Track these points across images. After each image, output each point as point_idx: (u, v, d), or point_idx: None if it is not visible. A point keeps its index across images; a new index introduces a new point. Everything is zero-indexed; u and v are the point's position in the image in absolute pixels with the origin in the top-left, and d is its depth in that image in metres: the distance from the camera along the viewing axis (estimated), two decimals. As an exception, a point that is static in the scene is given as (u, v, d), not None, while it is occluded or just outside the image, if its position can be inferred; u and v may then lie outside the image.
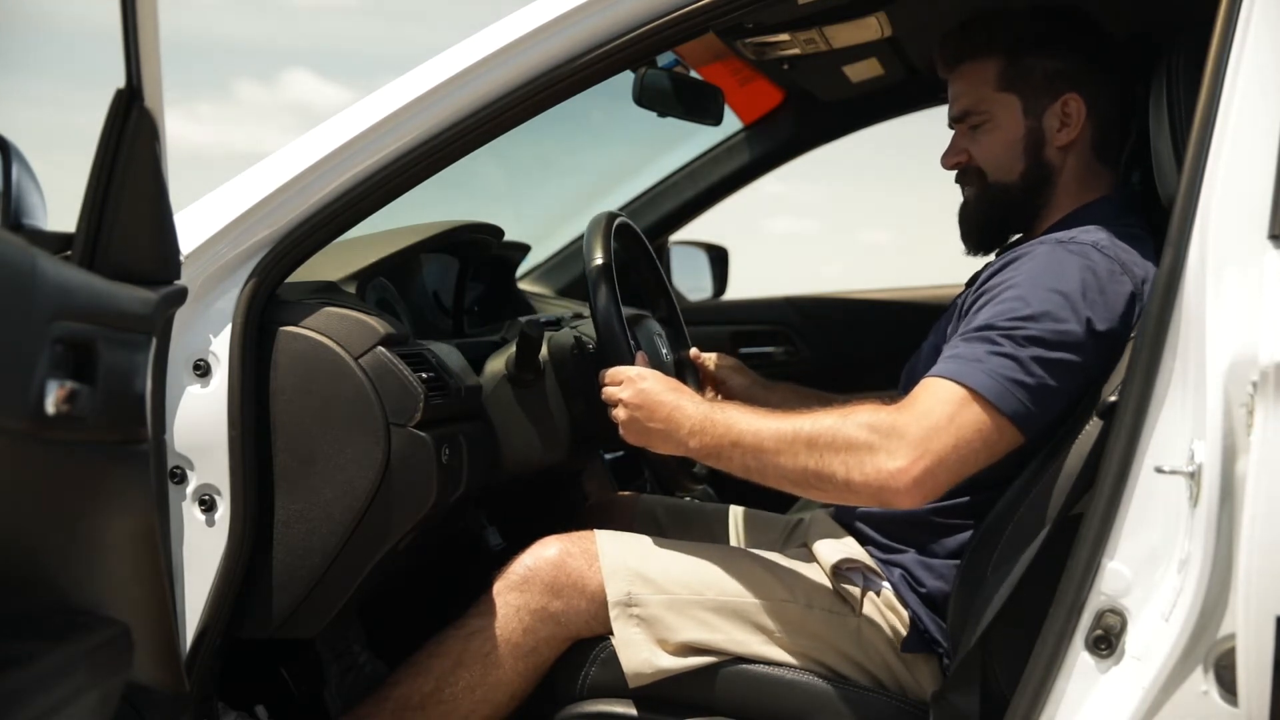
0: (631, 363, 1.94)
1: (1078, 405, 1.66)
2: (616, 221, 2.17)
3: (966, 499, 1.81)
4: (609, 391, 1.88)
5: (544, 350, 2.06)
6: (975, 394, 1.63)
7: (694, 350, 2.32)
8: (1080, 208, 1.88)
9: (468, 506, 2.03)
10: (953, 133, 1.97)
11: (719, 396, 2.23)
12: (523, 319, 2.18)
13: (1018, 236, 1.98)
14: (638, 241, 2.34)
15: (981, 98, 1.90)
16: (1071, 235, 1.78)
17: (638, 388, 1.83)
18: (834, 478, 1.66)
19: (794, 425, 1.69)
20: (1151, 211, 1.87)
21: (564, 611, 1.82)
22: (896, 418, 1.64)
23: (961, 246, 2.02)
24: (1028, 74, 1.88)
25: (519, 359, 2.03)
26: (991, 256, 1.98)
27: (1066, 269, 1.70)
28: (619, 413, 1.86)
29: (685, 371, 2.36)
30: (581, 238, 2.12)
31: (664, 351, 2.24)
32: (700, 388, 2.29)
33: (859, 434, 1.64)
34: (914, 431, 1.62)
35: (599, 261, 2.03)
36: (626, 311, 2.06)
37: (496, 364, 2.06)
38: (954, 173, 1.97)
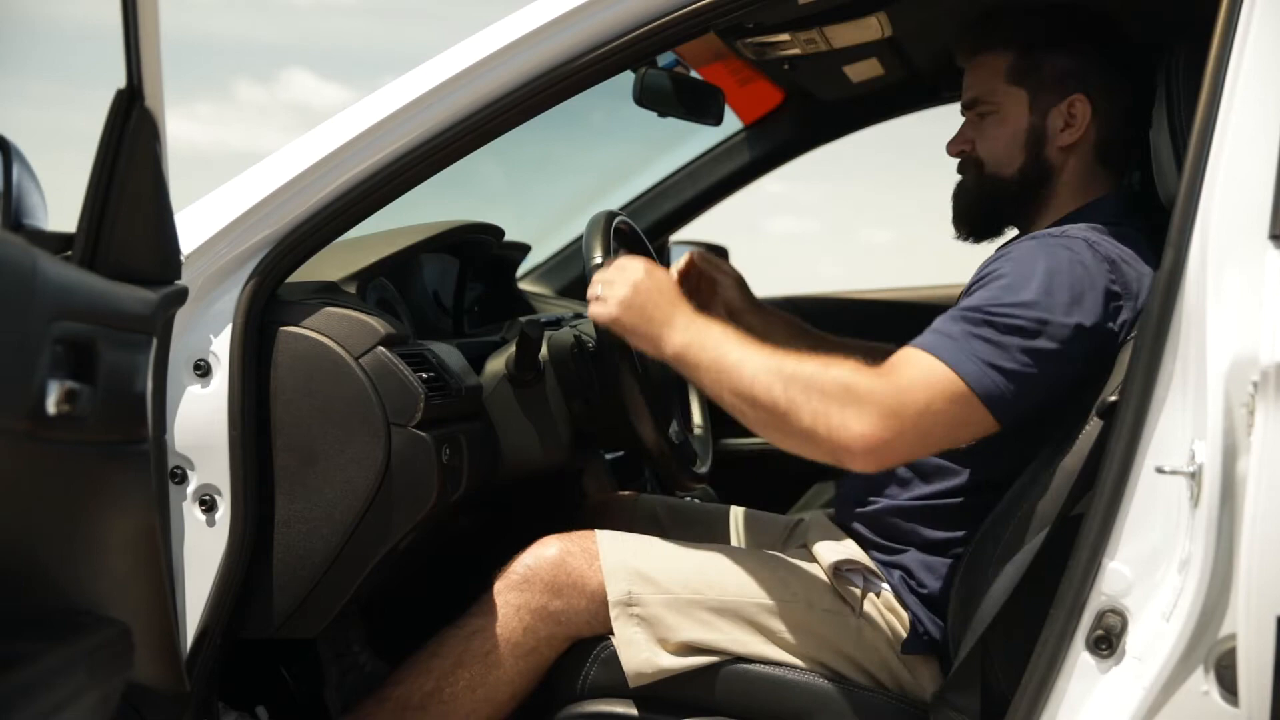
0: (632, 361, 1.94)
1: (1062, 400, 1.66)
2: (616, 221, 2.17)
3: (967, 499, 1.82)
4: (601, 276, 1.84)
5: (544, 350, 2.06)
6: (953, 372, 1.63)
7: (693, 253, 2.21)
8: (1079, 208, 1.88)
9: (468, 506, 2.03)
10: (962, 122, 1.98)
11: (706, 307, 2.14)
12: (523, 319, 2.18)
13: (1015, 233, 1.98)
14: (638, 241, 2.34)
15: (991, 89, 1.91)
16: (1064, 230, 1.78)
17: (633, 280, 1.79)
18: (799, 422, 1.65)
19: (777, 361, 1.68)
20: (1151, 211, 1.88)
21: (564, 611, 1.82)
22: (875, 382, 1.63)
23: (963, 247, 2.03)
24: (1037, 70, 1.89)
25: (519, 359, 2.02)
26: (984, 247, 1.99)
27: (1056, 261, 1.70)
28: (601, 296, 1.81)
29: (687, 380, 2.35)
30: (581, 238, 2.12)
31: None
32: (703, 401, 2.27)
33: (834, 387, 1.63)
34: (888, 401, 1.62)
35: (598, 261, 2.03)
36: None
37: (496, 364, 2.06)
38: (957, 162, 1.98)
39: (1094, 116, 1.88)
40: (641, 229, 2.40)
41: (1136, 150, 1.93)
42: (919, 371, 1.64)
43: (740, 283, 2.17)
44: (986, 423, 1.65)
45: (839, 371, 1.65)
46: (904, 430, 1.62)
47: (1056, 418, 1.70)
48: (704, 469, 2.16)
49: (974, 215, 1.97)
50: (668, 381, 2.21)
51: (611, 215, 2.16)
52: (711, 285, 2.17)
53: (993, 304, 1.67)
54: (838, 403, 1.63)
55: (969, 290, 1.75)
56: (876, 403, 1.62)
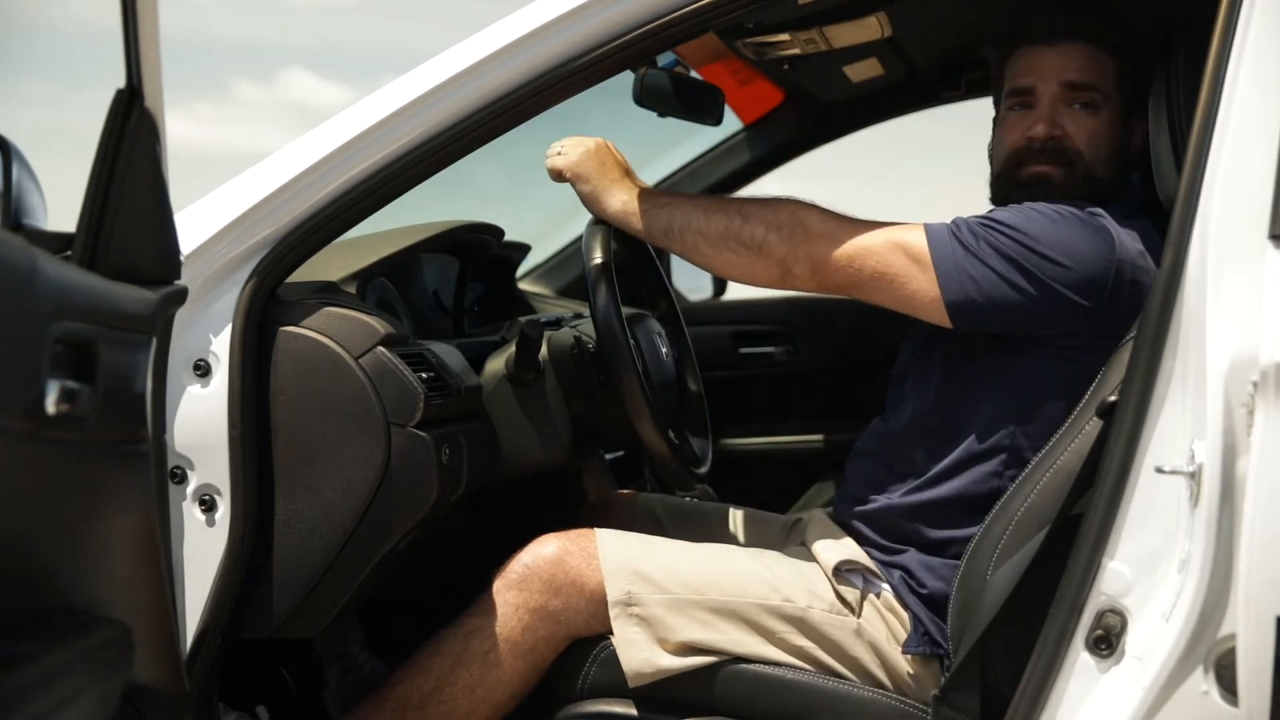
0: (632, 362, 1.94)
1: (1047, 394, 1.74)
2: None
3: (967, 499, 1.82)
4: (560, 142, 1.97)
5: (544, 350, 2.06)
6: (923, 233, 1.75)
7: None
8: (1118, 199, 1.89)
9: (468, 506, 2.03)
10: (1046, 100, 1.90)
11: None
12: (523, 319, 2.18)
13: None
14: (638, 241, 2.34)
15: (1103, 80, 1.90)
16: (1085, 206, 1.80)
17: (593, 143, 1.97)
18: (751, 240, 1.82)
19: (737, 196, 1.80)
20: (1151, 211, 1.88)
21: (563, 610, 1.82)
22: (838, 232, 1.78)
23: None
24: (1134, 84, 1.90)
25: (519, 359, 2.02)
26: None
27: (1075, 226, 1.75)
28: (560, 151, 1.97)
29: (685, 371, 2.36)
30: (581, 238, 2.12)
31: (664, 351, 2.23)
32: (703, 392, 2.29)
33: (790, 206, 1.81)
34: (835, 224, 1.79)
35: (598, 261, 2.03)
36: (626, 311, 2.06)
37: (496, 364, 2.06)
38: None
39: (1144, 141, 1.89)
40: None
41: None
42: (898, 234, 1.77)
43: None
44: (932, 298, 1.74)
45: (798, 201, 1.82)
46: (842, 257, 1.76)
47: (1056, 417, 1.70)
48: (704, 469, 2.16)
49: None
50: (668, 381, 2.21)
51: None
52: None
53: (997, 220, 1.75)
54: (787, 230, 1.79)
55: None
56: (819, 228, 1.78)
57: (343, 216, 1.78)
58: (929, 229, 1.77)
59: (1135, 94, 1.91)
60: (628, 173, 1.99)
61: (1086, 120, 1.89)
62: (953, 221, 1.78)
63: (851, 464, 2.01)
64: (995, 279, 1.73)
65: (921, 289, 1.75)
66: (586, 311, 2.36)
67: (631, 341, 2.00)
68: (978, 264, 1.73)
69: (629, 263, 2.35)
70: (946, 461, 1.84)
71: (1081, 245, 1.73)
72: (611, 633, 1.81)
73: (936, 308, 1.75)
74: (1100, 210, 1.79)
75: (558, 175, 1.98)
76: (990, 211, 1.80)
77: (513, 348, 2.04)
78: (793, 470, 3.23)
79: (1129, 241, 1.76)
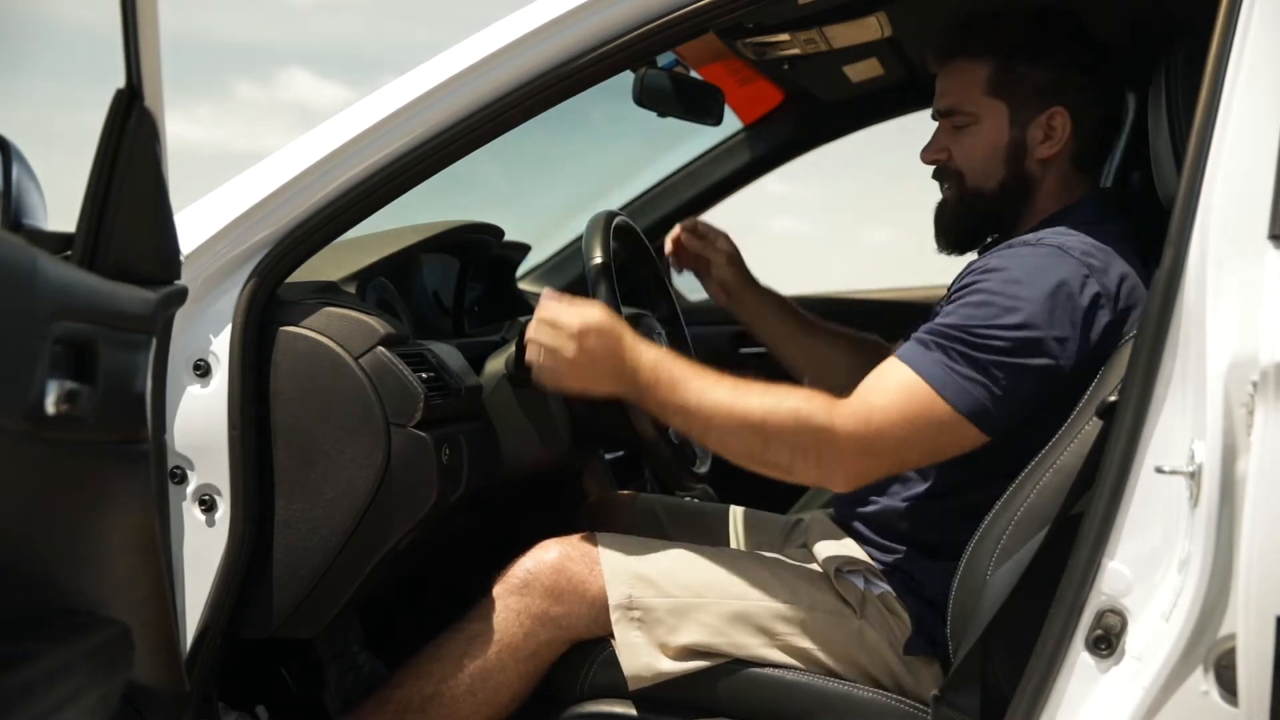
0: None
1: (1056, 405, 1.67)
2: (616, 221, 2.16)
3: (967, 499, 1.81)
4: (536, 335, 1.79)
5: None
6: (935, 391, 1.67)
7: (683, 227, 2.22)
8: (1057, 212, 1.88)
9: (468, 506, 2.03)
10: (937, 127, 1.96)
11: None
12: (523, 319, 2.18)
13: (994, 237, 1.99)
14: (637, 241, 2.34)
15: (969, 99, 1.90)
16: (1040, 237, 1.78)
17: (578, 341, 1.75)
18: (779, 464, 1.72)
19: (744, 407, 1.70)
20: (1132, 210, 1.88)
21: (565, 616, 1.82)
22: (848, 423, 1.67)
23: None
24: (1018, 82, 1.88)
25: (519, 359, 2.02)
26: (970, 255, 1.99)
27: (1033, 272, 1.70)
28: (543, 363, 1.78)
29: None
30: (581, 238, 2.12)
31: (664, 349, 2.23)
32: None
33: (809, 427, 1.68)
34: (862, 443, 1.67)
35: (598, 261, 2.03)
36: (626, 311, 2.06)
37: (496, 364, 2.06)
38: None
39: (1073, 128, 1.88)
40: (641, 229, 2.40)
41: (1121, 144, 1.94)
42: (898, 387, 1.68)
43: (734, 258, 2.18)
44: (973, 437, 1.69)
45: (813, 409, 1.68)
46: (884, 455, 1.69)
47: (1055, 418, 1.70)
48: (704, 469, 2.16)
49: (957, 229, 1.97)
50: None
51: (611, 215, 2.16)
52: (705, 264, 2.19)
53: (972, 323, 1.69)
54: (815, 449, 1.69)
55: (950, 298, 1.76)
56: (852, 447, 1.68)
57: (343, 216, 1.78)
58: (912, 365, 1.69)
59: (1043, 86, 1.86)
60: (615, 351, 1.77)
61: (962, 139, 1.91)
62: (932, 345, 1.70)
63: None
64: (997, 382, 1.67)
65: (950, 428, 1.68)
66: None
67: None
68: (975, 375, 1.67)
69: (629, 263, 2.35)
70: (944, 464, 1.84)
71: (1047, 303, 1.68)
72: (612, 636, 1.81)
73: (971, 432, 1.69)
74: (1055, 244, 1.74)
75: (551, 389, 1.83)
76: (960, 306, 1.72)
77: (513, 348, 2.04)
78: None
79: (1094, 263, 1.73)
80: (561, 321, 1.77)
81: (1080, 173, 1.91)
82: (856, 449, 1.68)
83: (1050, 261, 1.72)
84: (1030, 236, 1.80)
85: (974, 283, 1.73)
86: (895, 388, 1.69)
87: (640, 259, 2.37)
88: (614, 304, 1.99)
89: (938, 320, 1.73)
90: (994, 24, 1.91)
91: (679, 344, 2.38)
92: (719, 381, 1.74)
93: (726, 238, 2.20)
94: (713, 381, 1.74)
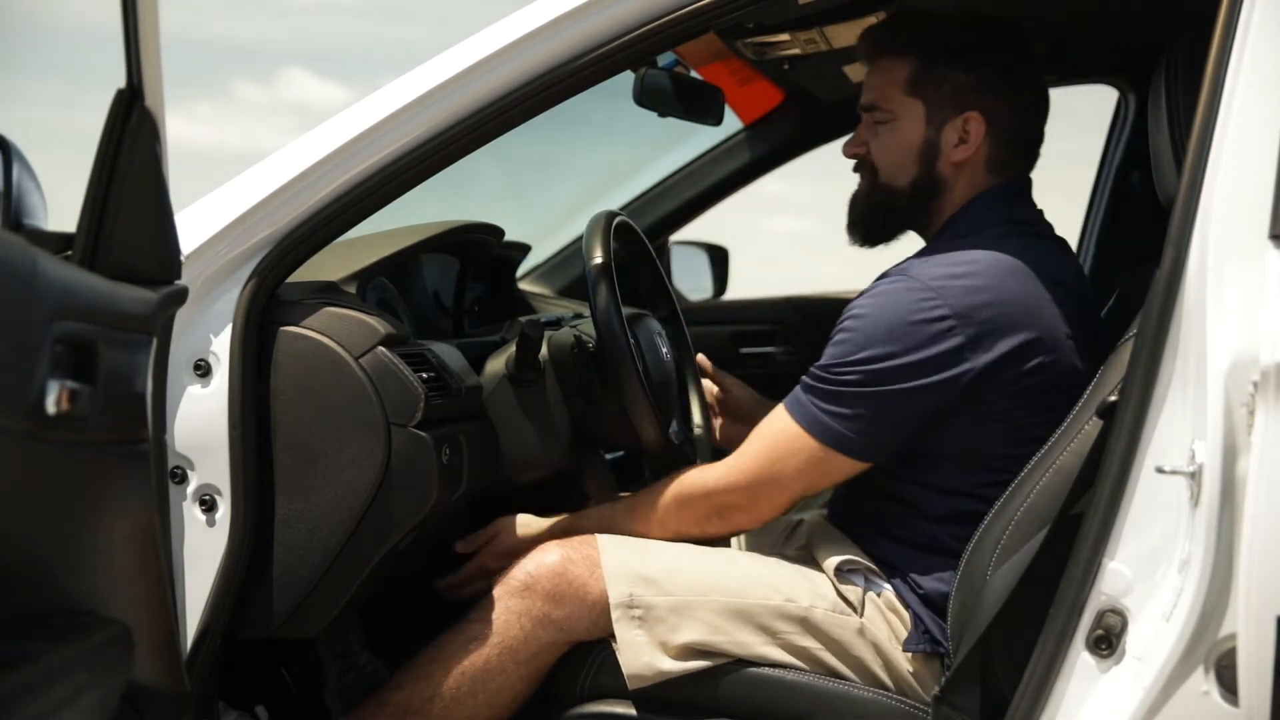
0: (632, 362, 1.95)
1: (935, 423, 1.78)
2: (616, 221, 2.17)
3: (966, 499, 1.82)
4: (470, 579, 1.98)
5: (544, 350, 2.06)
6: (800, 427, 1.81)
7: (701, 356, 2.36)
8: (961, 209, 1.92)
9: (468, 506, 2.03)
10: (862, 123, 1.99)
11: (720, 415, 2.34)
12: (523, 319, 2.18)
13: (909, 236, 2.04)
14: (638, 241, 2.34)
15: (889, 96, 1.93)
16: (902, 268, 1.83)
17: (494, 555, 1.97)
18: (697, 534, 1.91)
19: (644, 519, 1.92)
20: (1150, 211, 1.88)
21: (565, 618, 1.82)
22: (729, 480, 1.86)
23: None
24: (938, 84, 1.90)
25: (519, 359, 2.02)
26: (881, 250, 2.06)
27: (881, 307, 1.79)
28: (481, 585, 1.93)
29: (685, 371, 2.36)
30: (581, 238, 2.12)
31: (664, 351, 2.23)
32: (703, 402, 2.31)
33: (701, 509, 1.89)
34: (745, 492, 1.86)
35: (599, 261, 2.03)
36: (626, 311, 2.06)
37: (496, 364, 2.06)
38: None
39: (988, 133, 1.89)
40: (641, 229, 2.40)
41: (1032, 159, 1.97)
42: (772, 441, 1.84)
43: (740, 384, 2.36)
44: (845, 464, 1.82)
45: (695, 488, 1.89)
46: (771, 500, 1.86)
47: (1050, 422, 1.70)
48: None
49: (866, 222, 2.01)
50: (668, 381, 2.21)
51: (611, 215, 2.16)
52: (716, 397, 2.35)
53: (833, 363, 1.80)
54: (708, 515, 1.89)
55: (831, 336, 1.86)
56: (736, 499, 1.86)
57: (343, 216, 1.78)
58: (792, 412, 1.83)
59: (961, 89, 1.89)
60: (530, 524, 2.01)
61: (880, 135, 1.94)
62: (805, 388, 1.84)
63: None
64: (858, 413, 1.78)
65: (824, 462, 1.82)
66: (587, 311, 2.36)
67: (631, 341, 2.00)
68: (836, 409, 1.79)
69: (629, 263, 2.35)
70: (946, 463, 1.84)
71: (893, 331, 1.76)
72: (613, 637, 1.80)
73: (845, 464, 1.82)
74: (907, 274, 1.80)
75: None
76: (828, 348, 1.84)
77: (513, 348, 2.04)
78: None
79: (948, 284, 1.77)
80: (503, 553, 1.96)
81: (992, 176, 1.93)
82: (743, 497, 1.86)
83: (897, 294, 1.79)
84: (891, 269, 1.85)
85: (840, 325, 1.83)
86: (771, 431, 1.85)
87: (640, 259, 2.37)
88: (614, 304, 1.99)
89: (814, 365, 1.84)
90: (919, 24, 1.94)
91: (679, 343, 2.38)
92: (613, 510, 1.97)
93: (729, 378, 2.37)
94: (608, 514, 1.96)
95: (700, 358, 2.36)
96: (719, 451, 2.18)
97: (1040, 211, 1.97)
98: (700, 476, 1.89)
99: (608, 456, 2.49)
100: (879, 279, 1.85)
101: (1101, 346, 1.79)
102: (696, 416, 2.33)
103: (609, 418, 2.05)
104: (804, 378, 1.84)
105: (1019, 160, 1.94)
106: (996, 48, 1.91)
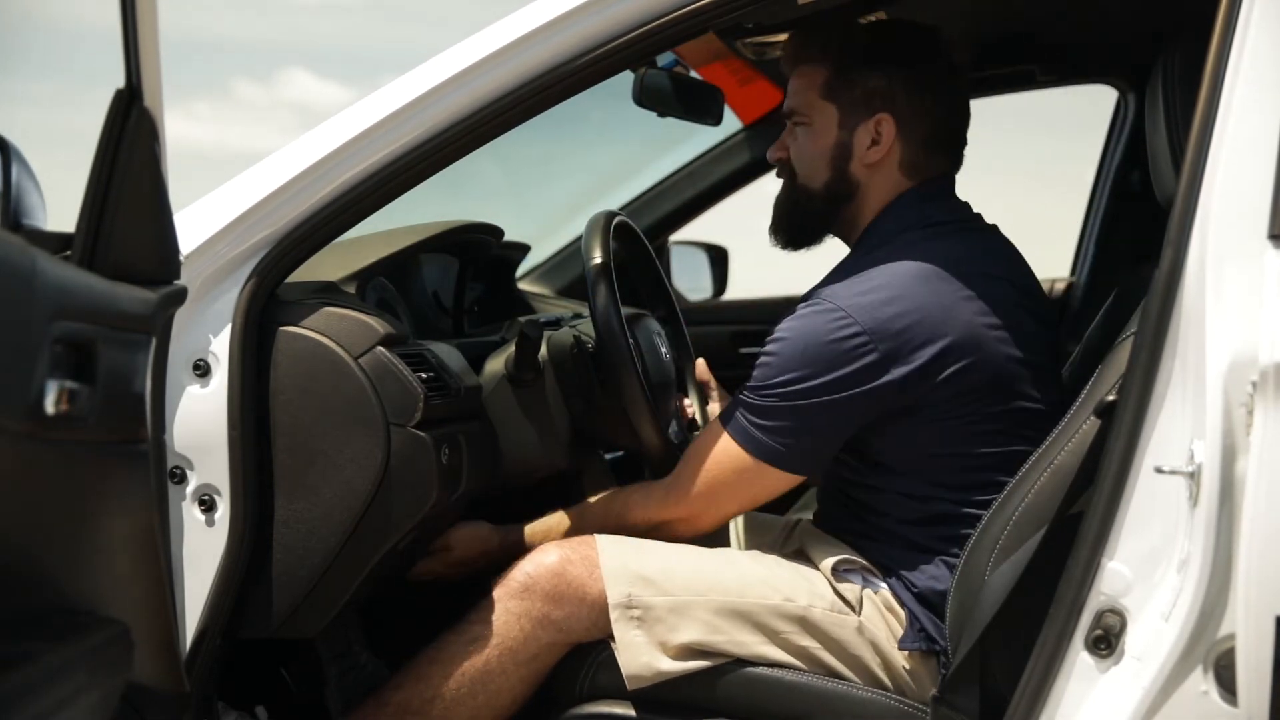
0: (632, 362, 1.95)
1: (868, 431, 1.83)
2: (615, 220, 2.17)
3: (964, 500, 1.82)
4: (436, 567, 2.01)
5: (543, 350, 2.06)
6: (734, 442, 1.86)
7: (701, 365, 2.37)
8: (877, 216, 1.94)
9: (468, 507, 2.03)
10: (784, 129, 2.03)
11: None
12: (522, 319, 2.18)
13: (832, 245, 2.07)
14: (637, 241, 2.34)
15: (807, 101, 1.96)
16: (818, 293, 1.86)
17: (454, 563, 2.01)
18: (646, 535, 1.93)
19: (599, 517, 1.96)
20: (1149, 211, 1.88)
21: (565, 619, 1.82)
22: (667, 505, 1.93)
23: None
24: (849, 88, 1.93)
25: (518, 359, 2.02)
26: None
27: (797, 330, 1.83)
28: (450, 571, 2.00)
29: (685, 372, 2.36)
30: (581, 238, 2.12)
31: (663, 351, 2.23)
32: (703, 406, 2.32)
33: (642, 528, 1.93)
34: (685, 512, 1.92)
35: (598, 260, 2.03)
36: (626, 311, 2.06)
37: (496, 364, 2.06)
38: (965, 162, 2.01)
39: (899, 136, 1.92)
40: (641, 229, 2.41)
41: (954, 164, 1.99)
42: (712, 458, 1.89)
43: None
44: (778, 477, 1.87)
45: (637, 514, 1.95)
46: (712, 515, 1.92)
47: (1048, 419, 1.70)
48: None
49: (786, 224, 2.04)
50: (667, 382, 2.21)
51: (611, 215, 2.16)
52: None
53: (756, 384, 1.85)
54: (650, 532, 1.93)
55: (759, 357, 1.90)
56: (676, 519, 1.93)
57: (343, 216, 1.78)
58: (726, 428, 1.88)
59: (872, 92, 1.91)
60: (491, 534, 2.03)
61: (798, 138, 1.98)
62: (737, 405, 1.88)
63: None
64: (785, 425, 1.83)
65: (758, 475, 1.86)
66: (586, 311, 2.37)
67: (631, 341, 2.00)
68: (765, 423, 1.84)
69: (629, 263, 2.35)
70: (945, 463, 1.84)
71: (807, 353, 1.81)
72: (612, 638, 1.80)
73: (777, 477, 1.87)
74: (820, 298, 1.84)
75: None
76: (754, 369, 1.88)
77: (512, 348, 2.04)
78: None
79: (860, 301, 1.80)
80: (462, 562, 2.01)
81: (907, 179, 1.95)
82: (682, 515, 1.92)
83: (811, 318, 1.83)
84: (809, 292, 1.89)
85: (764, 349, 1.87)
86: (706, 448, 1.89)
87: (639, 259, 2.37)
88: (614, 304, 1.99)
89: (743, 385, 1.89)
90: (833, 31, 1.97)
91: (679, 344, 2.38)
92: (573, 510, 2.01)
93: (722, 390, 2.38)
94: (569, 514, 2.01)
95: (699, 363, 2.37)
96: None
97: (965, 205, 1.99)
98: (642, 500, 1.96)
99: (607, 456, 2.50)
100: (799, 302, 1.89)
101: (1047, 328, 1.89)
102: (696, 416, 2.33)
103: (608, 418, 2.05)
104: (737, 395, 1.89)
105: (936, 162, 1.96)
106: (909, 53, 1.94)
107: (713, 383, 2.37)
